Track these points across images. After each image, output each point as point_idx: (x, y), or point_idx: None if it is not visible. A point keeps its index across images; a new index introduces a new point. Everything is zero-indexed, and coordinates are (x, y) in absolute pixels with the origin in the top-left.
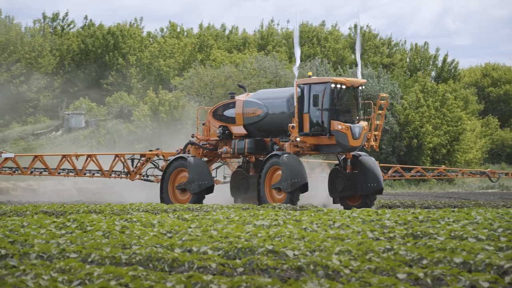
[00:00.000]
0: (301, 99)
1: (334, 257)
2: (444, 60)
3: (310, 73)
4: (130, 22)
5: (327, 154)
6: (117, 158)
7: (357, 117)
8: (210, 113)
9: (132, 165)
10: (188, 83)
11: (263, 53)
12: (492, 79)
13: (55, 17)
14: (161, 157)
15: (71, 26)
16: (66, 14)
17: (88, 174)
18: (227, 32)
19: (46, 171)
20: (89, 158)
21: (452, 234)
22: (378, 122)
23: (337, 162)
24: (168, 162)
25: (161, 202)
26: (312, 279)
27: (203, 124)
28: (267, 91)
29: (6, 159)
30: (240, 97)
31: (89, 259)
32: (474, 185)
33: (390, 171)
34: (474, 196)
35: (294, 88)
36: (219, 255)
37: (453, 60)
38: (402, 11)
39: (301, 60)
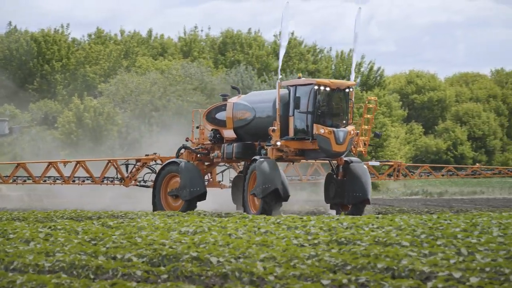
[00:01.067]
0: (287, 101)
1: (259, 263)
2: (371, 68)
3: (300, 75)
4: (55, 29)
5: (313, 159)
6: (109, 164)
7: (345, 121)
8: (204, 116)
9: (127, 170)
10: (113, 90)
11: (189, 60)
12: (416, 86)
13: None
14: (158, 161)
15: None
16: None
17: (77, 181)
18: (152, 38)
19: (30, 179)
20: (78, 165)
21: (376, 240)
22: (366, 127)
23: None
24: (160, 167)
25: (153, 208)
26: (237, 285)
27: (197, 127)
28: (258, 93)
29: None
30: (232, 100)
31: (12, 267)
32: (398, 192)
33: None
34: (398, 202)
35: (283, 90)
36: (143, 262)
37: (379, 68)
38: (326, 19)
39: (226, 67)
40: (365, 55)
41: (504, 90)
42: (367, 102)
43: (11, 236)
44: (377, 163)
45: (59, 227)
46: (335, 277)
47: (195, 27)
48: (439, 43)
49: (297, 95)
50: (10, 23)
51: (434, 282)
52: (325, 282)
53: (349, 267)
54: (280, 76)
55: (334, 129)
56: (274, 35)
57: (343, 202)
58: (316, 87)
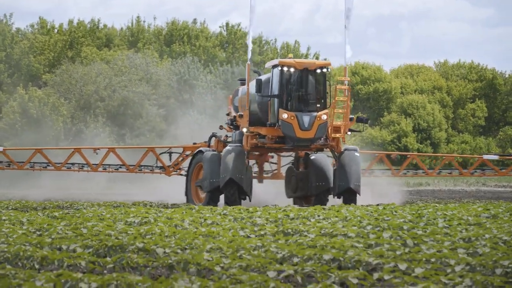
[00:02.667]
0: (266, 83)
1: (205, 254)
2: (317, 58)
3: (291, 55)
4: None
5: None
6: (150, 152)
7: (320, 105)
8: (229, 102)
9: (170, 159)
10: (58, 80)
11: (134, 50)
12: (362, 77)
13: None
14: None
15: None
16: None
17: (108, 169)
18: (97, 29)
19: (50, 165)
20: (108, 152)
21: (322, 232)
22: (340, 111)
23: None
24: (191, 156)
25: (186, 200)
26: (183, 276)
27: (227, 114)
28: (264, 76)
29: None
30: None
31: None
32: None
33: None
34: None
35: (270, 74)
36: (89, 253)
37: (325, 59)
38: (272, 10)
39: (172, 58)
40: (311, 47)
41: (449, 82)
42: (337, 83)
43: None
44: (495, 157)
45: (3, 217)
46: (282, 268)
47: (138, 17)
48: (384, 35)
49: (263, 78)
50: None
51: (380, 273)
52: (271, 273)
53: (295, 259)
54: (249, 56)
55: (297, 113)
56: (220, 27)
57: (306, 195)
58: (279, 68)
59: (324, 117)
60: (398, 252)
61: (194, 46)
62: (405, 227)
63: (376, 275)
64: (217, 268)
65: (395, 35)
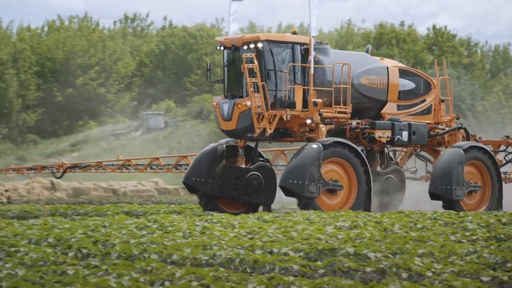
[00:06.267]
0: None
1: (417, 259)
2: None
3: (294, 29)
4: (212, 23)
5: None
6: None
7: (252, 90)
8: None
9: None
10: None
11: None
12: None
13: (134, 18)
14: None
15: (151, 27)
16: (147, 15)
17: None
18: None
19: None
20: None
21: None
22: (257, 95)
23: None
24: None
25: None
26: (394, 281)
27: None
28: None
29: None
30: None
31: (170, 260)
32: None
33: None
34: None
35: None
36: (300, 256)
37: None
38: (482, 11)
39: None
40: None
41: None
42: (244, 62)
43: (169, 229)
44: None
45: (215, 220)
46: (495, 274)
47: (349, 20)
48: None
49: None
50: (165, 18)
51: None
52: (485, 279)
53: (509, 264)
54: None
55: (221, 100)
56: (427, 29)
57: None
58: (220, 47)
59: (249, 103)
60: None
61: (402, 49)
62: None
63: None
64: (429, 273)
65: None
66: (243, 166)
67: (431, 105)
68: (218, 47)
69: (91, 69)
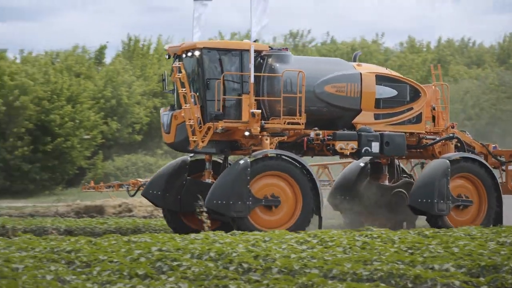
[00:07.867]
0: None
1: None
2: None
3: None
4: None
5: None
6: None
7: (194, 100)
8: None
9: None
10: None
11: (504, 67)
12: None
13: (295, 34)
14: None
15: (312, 42)
16: (309, 31)
17: None
18: (466, 47)
19: None
20: None
21: None
22: (186, 106)
23: None
24: None
25: None
26: None
27: None
28: None
29: None
30: None
31: (331, 275)
32: None
33: None
34: None
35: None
36: (462, 272)
37: None
38: None
39: None
40: None
41: None
42: (175, 72)
43: (330, 244)
44: None
45: (375, 235)
46: None
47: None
48: None
49: None
50: (327, 33)
51: None
52: None
53: None
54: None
55: (163, 112)
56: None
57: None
58: (166, 56)
59: (184, 115)
60: None
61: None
62: None
63: None
64: None
65: None
66: (210, 181)
67: (421, 113)
68: (166, 56)
69: None
